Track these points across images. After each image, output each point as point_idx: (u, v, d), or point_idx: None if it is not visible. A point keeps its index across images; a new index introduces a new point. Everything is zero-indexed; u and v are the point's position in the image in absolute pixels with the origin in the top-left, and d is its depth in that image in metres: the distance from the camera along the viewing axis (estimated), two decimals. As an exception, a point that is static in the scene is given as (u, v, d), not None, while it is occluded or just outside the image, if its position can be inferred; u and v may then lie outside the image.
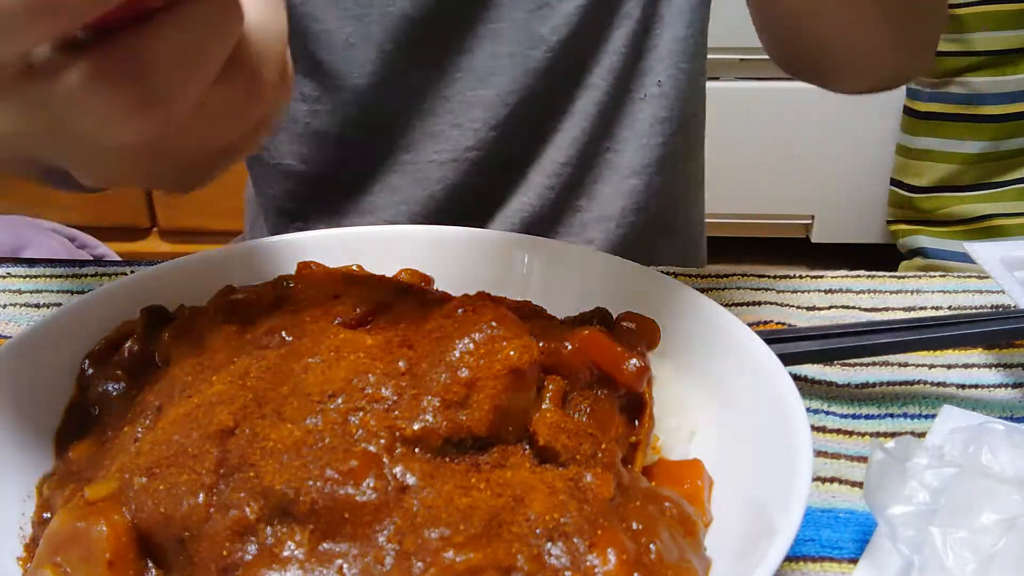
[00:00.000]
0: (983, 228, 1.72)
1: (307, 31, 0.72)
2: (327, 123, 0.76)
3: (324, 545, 0.34)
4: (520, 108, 0.73)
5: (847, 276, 0.62)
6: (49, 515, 0.40)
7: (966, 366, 0.54)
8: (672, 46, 0.73)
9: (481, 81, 0.73)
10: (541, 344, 0.39)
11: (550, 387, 0.39)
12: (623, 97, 0.75)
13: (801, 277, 0.62)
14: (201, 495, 0.35)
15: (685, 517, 0.38)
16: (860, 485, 0.44)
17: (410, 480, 0.35)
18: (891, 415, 0.50)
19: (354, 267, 0.49)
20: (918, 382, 0.52)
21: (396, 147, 0.76)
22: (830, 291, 0.60)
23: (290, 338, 0.40)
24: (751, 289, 0.61)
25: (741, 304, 0.59)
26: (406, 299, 0.42)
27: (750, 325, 0.45)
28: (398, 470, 0.35)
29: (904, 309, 0.59)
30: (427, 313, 0.40)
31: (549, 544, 0.34)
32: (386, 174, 0.77)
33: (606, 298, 0.46)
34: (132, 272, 0.52)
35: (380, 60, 0.72)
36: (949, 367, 0.54)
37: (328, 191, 0.79)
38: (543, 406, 0.38)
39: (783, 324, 0.57)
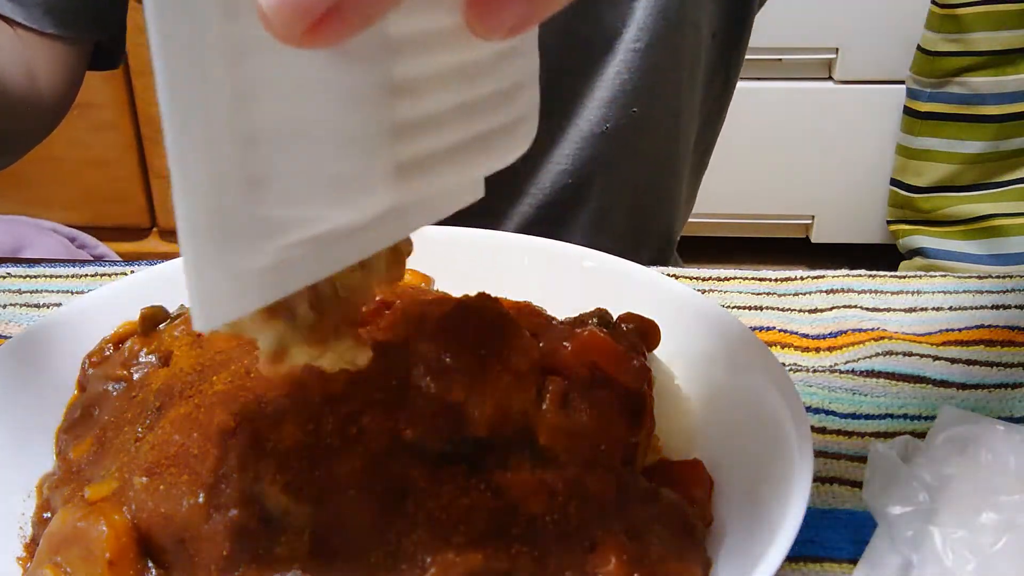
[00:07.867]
0: (983, 228, 1.72)
1: None
2: None
3: (324, 546, 0.34)
4: None
5: (848, 275, 0.62)
6: (49, 515, 0.40)
7: (968, 362, 0.54)
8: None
9: None
10: (541, 344, 0.39)
11: (550, 387, 0.38)
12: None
13: (802, 278, 0.62)
14: (201, 495, 0.35)
15: (685, 517, 0.38)
16: (860, 485, 0.44)
17: (410, 481, 0.35)
18: (891, 415, 0.50)
19: (354, 267, 0.49)
20: (919, 378, 0.52)
21: None
22: (831, 291, 0.60)
23: (290, 338, 0.40)
24: (752, 293, 0.61)
25: (742, 308, 0.59)
26: (406, 299, 0.42)
27: (753, 330, 0.45)
28: (398, 471, 0.35)
29: (905, 310, 0.59)
30: (427, 313, 0.40)
31: (549, 545, 0.34)
32: None
33: (606, 298, 0.46)
34: (132, 272, 0.52)
35: None
36: (952, 361, 0.54)
37: None
38: (543, 407, 0.38)
39: (786, 332, 0.57)
